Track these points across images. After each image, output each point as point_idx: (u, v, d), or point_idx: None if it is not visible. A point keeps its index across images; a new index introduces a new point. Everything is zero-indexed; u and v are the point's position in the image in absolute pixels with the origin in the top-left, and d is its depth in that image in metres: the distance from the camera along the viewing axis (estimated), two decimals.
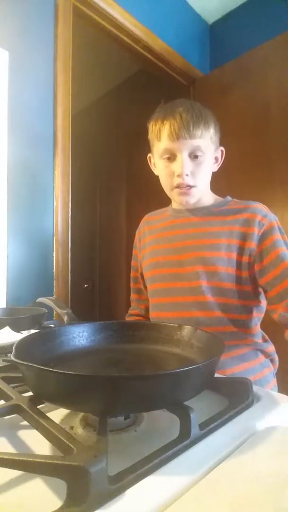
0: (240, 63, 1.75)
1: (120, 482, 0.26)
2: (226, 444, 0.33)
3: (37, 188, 1.24)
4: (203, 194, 0.85)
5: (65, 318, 0.66)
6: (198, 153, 0.79)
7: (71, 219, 1.35)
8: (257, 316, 0.83)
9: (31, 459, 0.26)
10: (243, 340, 0.80)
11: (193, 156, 0.79)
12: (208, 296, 0.79)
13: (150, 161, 0.91)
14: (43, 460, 0.26)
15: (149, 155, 0.91)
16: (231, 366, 0.76)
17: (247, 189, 1.65)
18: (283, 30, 1.58)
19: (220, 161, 0.88)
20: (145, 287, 0.98)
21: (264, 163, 1.63)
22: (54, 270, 1.27)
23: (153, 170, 0.91)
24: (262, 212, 0.80)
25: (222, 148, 0.88)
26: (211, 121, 0.81)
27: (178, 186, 0.80)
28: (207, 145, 0.80)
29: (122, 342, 0.54)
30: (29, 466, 0.26)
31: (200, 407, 0.40)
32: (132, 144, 2.35)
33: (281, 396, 0.45)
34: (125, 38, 1.61)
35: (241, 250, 0.78)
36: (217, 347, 0.42)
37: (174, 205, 0.93)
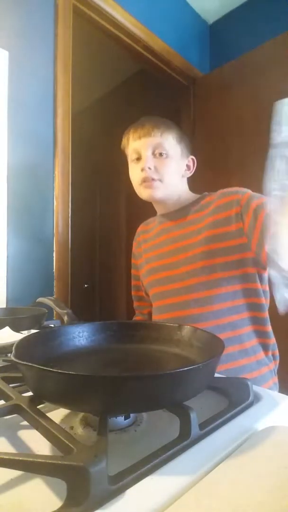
0: (240, 63, 1.75)
1: (120, 482, 0.26)
2: (226, 444, 0.33)
3: (37, 188, 1.24)
4: (173, 194, 0.89)
5: (65, 318, 0.66)
6: (161, 151, 0.85)
7: (71, 219, 1.35)
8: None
9: (31, 459, 0.26)
10: (248, 336, 0.80)
11: (158, 154, 0.85)
12: (203, 292, 0.81)
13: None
14: (43, 460, 0.26)
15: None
16: (226, 362, 0.76)
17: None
18: (283, 30, 1.58)
19: (192, 169, 0.94)
20: (147, 294, 1.02)
21: (264, 163, 1.63)
22: (54, 270, 1.27)
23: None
24: (231, 192, 0.83)
25: (192, 156, 0.94)
26: (173, 128, 0.88)
27: (143, 181, 0.85)
28: (170, 146, 0.86)
29: (122, 342, 0.54)
30: (29, 466, 0.26)
31: (200, 407, 0.40)
32: None
33: (281, 396, 0.45)
34: (125, 38, 1.61)
35: (226, 235, 0.79)
36: (217, 347, 0.42)
37: (158, 210, 0.98)
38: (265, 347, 0.83)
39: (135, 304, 1.12)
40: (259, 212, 0.73)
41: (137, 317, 1.12)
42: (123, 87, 2.45)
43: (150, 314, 1.04)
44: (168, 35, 1.77)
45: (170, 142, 0.86)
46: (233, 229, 0.78)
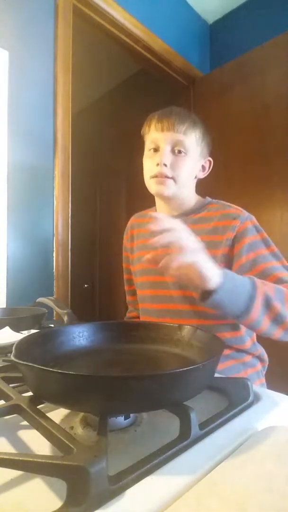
0: (240, 63, 1.75)
1: (120, 482, 0.26)
2: (226, 444, 0.33)
3: (37, 188, 1.24)
4: (182, 195, 0.85)
5: (65, 318, 0.66)
6: (181, 149, 0.80)
7: (71, 219, 1.35)
8: None
9: (31, 459, 0.26)
10: (227, 343, 0.79)
11: (177, 151, 0.81)
12: (185, 305, 0.80)
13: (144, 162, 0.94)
14: (43, 460, 0.26)
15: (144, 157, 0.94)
16: None
17: (247, 189, 1.66)
18: (283, 30, 1.58)
19: (207, 171, 0.90)
20: None
21: (264, 163, 1.63)
22: (54, 270, 1.27)
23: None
24: (231, 215, 0.80)
25: (210, 158, 0.90)
26: (199, 125, 0.84)
27: (156, 176, 0.81)
28: (191, 144, 0.82)
29: (122, 342, 0.54)
30: (29, 466, 0.26)
31: (200, 407, 0.40)
32: (132, 144, 2.34)
33: (281, 396, 0.45)
34: (125, 38, 1.61)
35: (224, 258, 0.77)
36: (217, 347, 0.42)
37: (158, 207, 0.94)
38: (252, 353, 0.82)
39: (129, 298, 1.09)
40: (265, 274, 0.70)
41: (130, 313, 1.09)
42: (123, 87, 2.45)
43: None
44: (168, 35, 1.77)
45: (192, 141, 0.82)
46: (219, 253, 0.77)
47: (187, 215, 0.87)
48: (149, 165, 0.84)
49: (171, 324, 0.54)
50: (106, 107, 2.59)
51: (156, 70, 1.87)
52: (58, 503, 0.25)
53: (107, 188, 2.60)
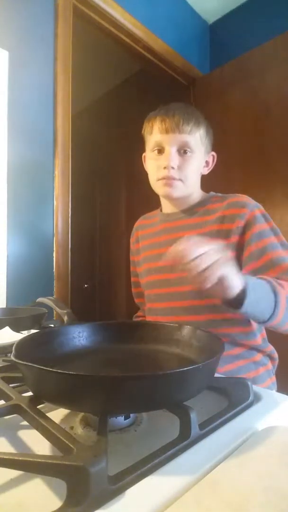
0: (240, 63, 1.75)
1: (120, 482, 0.26)
2: (226, 444, 0.33)
3: (37, 188, 1.24)
4: (190, 193, 0.85)
5: (65, 318, 0.66)
6: (187, 149, 0.80)
7: (71, 219, 1.35)
8: None
9: (31, 459, 0.26)
10: (238, 340, 0.78)
11: (182, 151, 0.80)
12: (196, 300, 0.79)
13: (144, 160, 0.92)
14: (43, 460, 0.26)
15: (144, 154, 0.92)
16: (222, 365, 0.75)
17: (247, 189, 1.65)
18: (283, 30, 1.58)
19: (211, 166, 0.89)
20: None
21: (264, 163, 1.63)
22: (54, 270, 1.27)
23: (145, 168, 0.91)
24: (238, 203, 0.79)
25: (213, 153, 0.89)
26: (202, 122, 0.83)
27: (163, 178, 0.81)
28: (196, 143, 0.81)
29: (122, 342, 0.54)
30: (29, 466, 0.26)
31: (200, 407, 0.40)
32: (132, 144, 2.34)
33: (281, 396, 0.45)
34: (125, 38, 1.61)
35: (232, 247, 0.77)
36: (217, 347, 0.42)
37: (164, 208, 0.94)
38: (263, 350, 0.82)
39: (136, 300, 1.09)
40: (273, 264, 0.71)
41: (139, 313, 1.09)
42: (123, 87, 2.45)
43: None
44: (168, 35, 1.77)
45: (197, 140, 0.81)
46: (231, 241, 0.77)
47: (193, 209, 0.86)
48: (155, 168, 0.83)
49: (171, 324, 0.54)
50: (106, 107, 2.59)
51: (156, 70, 1.87)
52: (58, 503, 0.25)
53: (107, 188, 2.60)
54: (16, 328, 0.72)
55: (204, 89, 1.93)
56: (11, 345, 0.41)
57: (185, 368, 0.33)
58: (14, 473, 0.29)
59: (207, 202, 0.86)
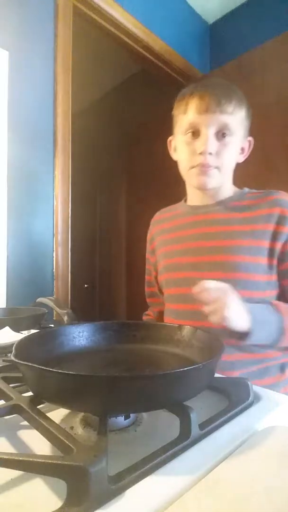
0: (240, 63, 1.75)
1: (120, 482, 0.26)
2: (226, 444, 0.33)
3: (37, 188, 1.24)
4: (223, 184, 0.76)
5: (65, 318, 0.66)
6: (226, 132, 0.70)
7: (71, 219, 1.35)
8: None
9: (31, 459, 0.26)
10: (263, 354, 0.71)
11: (221, 134, 0.70)
12: None
13: (170, 145, 0.83)
14: (43, 460, 0.26)
15: (169, 138, 0.83)
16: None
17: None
18: (283, 30, 1.58)
19: (246, 153, 0.80)
20: (161, 290, 0.92)
21: (263, 162, 1.63)
22: (54, 270, 1.27)
23: (171, 155, 0.83)
24: (274, 202, 0.71)
25: (250, 138, 0.79)
26: (244, 101, 0.74)
27: (198, 166, 0.71)
28: (237, 126, 0.72)
29: (122, 342, 0.54)
30: (29, 466, 0.26)
31: (200, 407, 0.40)
32: (132, 144, 2.34)
33: (281, 396, 0.45)
34: (125, 38, 1.61)
35: (271, 252, 0.70)
36: (217, 347, 0.42)
37: (191, 200, 0.85)
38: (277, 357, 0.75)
39: (148, 300, 1.01)
40: None
41: (147, 312, 1.01)
42: (123, 87, 2.45)
43: (160, 312, 0.93)
44: (168, 35, 1.77)
45: (238, 121, 0.71)
46: (266, 245, 0.70)
47: (228, 203, 0.77)
48: (189, 153, 0.73)
49: (171, 324, 0.54)
50: (106, 107, 2.59)
51: (156, 70, 1.87)
52: (58, 503, 0.25)
53: (107, 188, 2.60)
54: (16, 328, 0.73)
55: None
56: (11, 345, 0.41)
57: (185, 368, 0.33)
58: (14, 473, 0.29)
59: (243, 197, 0.77)
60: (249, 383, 0.44)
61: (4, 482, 0.28)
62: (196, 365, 0.34)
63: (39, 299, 0.87)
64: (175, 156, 0.81)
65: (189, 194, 0.85)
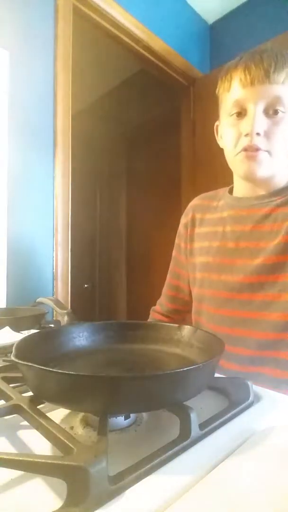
0: None
1: (120, 482, 0.26)
2: (226, 444, 0.33)
3: (37, 188, 1.24)
4: (276, 172, 0.64)
5: (65, 318, 0.66)
6: (278, 107, 0.58)
7: (71, 219, 1.35)
8: None
9: (31, 459, 0.26)
10: None
11: (272, 111, 0.59)
12: (272, 314, 0.61)
13: (216, 131, 0.74)
14: (43, 460, 0.26)
15: (216, 123, 0.73)
16: None
17: None
18: (283, 30, 1.58)
19: None
20: (187, 286, 0.83)
21: None
22: (54, 270, 1.27)
23: (218, 143, 0.73)
24: None
25: None
26: None
27: (245, 149, 0.60)
28: None
29: (122, 342, 0.54)
30: (29, 466, 0.26)
31: (200, 407, 0.40)
32: (132, 144, 2.35)
33: (281, 396, 0.45)
34: (125, 38, 1.61)
35: None
36: (217, 347, 0.42)
37: (236, 190, 0.73)
38: None
39: (168, 292, 0.88)
40: None
41: (157, 307, 0.91)
42: (123, 87, 2.45)
43: (176, 310, 0.83)
44: (168, 35, 1.77)
45: None
46: None
47: (271, 197, 0.65)
48: (234, 137, 0.62)
49: (171, 324, 0.54)
50: (106, 107, 2.59)
51: (156, 70, 1.87)
52: (58, 503, 0.25)
53: (107, 188, 2.60)
54: (16, 328, 0.72)
55: (204, 89, 1.93)
56: (11, 345, 0.41)
57: (185, 368, 0.33)
58: (14, 473, 0.29)
59: None
60: (249, 383, 0.44)
61: (4, 482, 0.28)
62: (196, 365, 0.34)
63: (39, 299, 0.87)
64: (221, 143, 0.71)
65: (235, 182, 0.74)
